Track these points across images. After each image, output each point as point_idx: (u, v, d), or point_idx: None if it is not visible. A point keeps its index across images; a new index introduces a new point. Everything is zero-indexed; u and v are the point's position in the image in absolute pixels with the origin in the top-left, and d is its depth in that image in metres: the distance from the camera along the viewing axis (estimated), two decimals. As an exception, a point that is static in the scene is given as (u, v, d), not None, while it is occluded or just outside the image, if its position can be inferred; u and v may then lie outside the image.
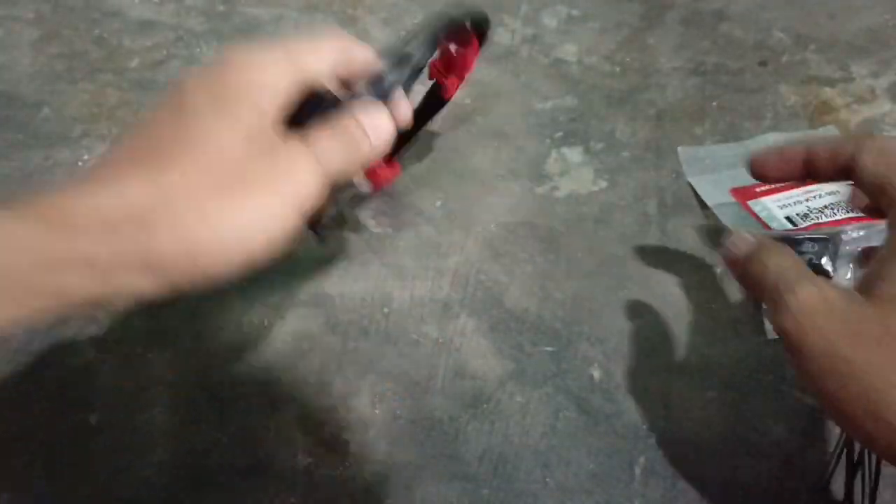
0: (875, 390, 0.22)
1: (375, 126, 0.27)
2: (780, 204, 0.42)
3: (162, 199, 0.23)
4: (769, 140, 0.48)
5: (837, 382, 0.23)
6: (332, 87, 0.28)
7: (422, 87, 0.38)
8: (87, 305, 0.22)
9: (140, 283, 0.23)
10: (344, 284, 0.42)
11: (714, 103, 0.51)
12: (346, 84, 0.28)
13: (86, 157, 0.49)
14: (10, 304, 0.21)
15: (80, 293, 0.22)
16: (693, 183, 0.46)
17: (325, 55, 0.28)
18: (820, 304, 0.25)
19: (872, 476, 0.34)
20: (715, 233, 0.43)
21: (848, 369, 0.23)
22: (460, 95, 0.53)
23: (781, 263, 0.27)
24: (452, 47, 0.37)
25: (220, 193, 0.23)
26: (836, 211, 0.41)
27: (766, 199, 0.43)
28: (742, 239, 0.29)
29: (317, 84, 0.27)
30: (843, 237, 0.39)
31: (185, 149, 0.24)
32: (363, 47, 0.29)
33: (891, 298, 0.24)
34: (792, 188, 0.43)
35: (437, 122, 0.42)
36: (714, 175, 0.46)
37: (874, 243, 0.39)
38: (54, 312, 0.22)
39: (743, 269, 0.28)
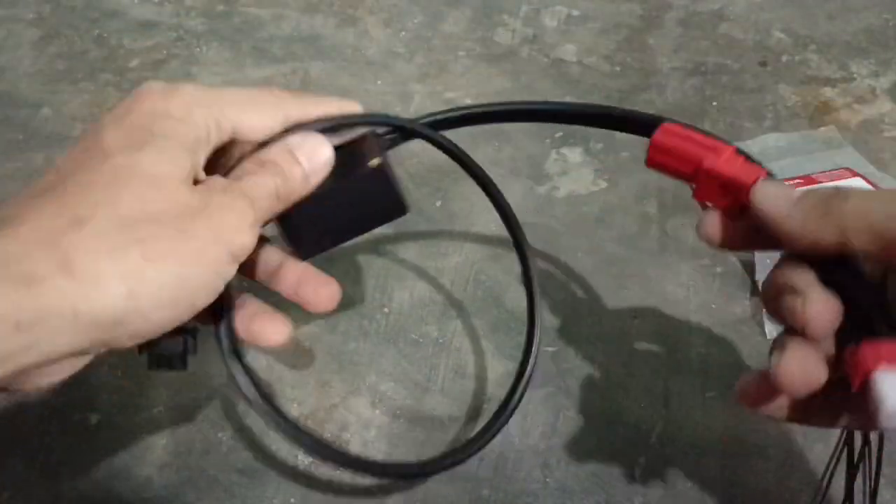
0: None
1: (309, 151, 0.25)
2: (780, 204, 0.42)
3: (87, 248, 0.20)
4: (769, 141, 0.48)
5: None
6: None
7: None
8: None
9: (61, 342, 0.20)
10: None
11: (714, 103, 0.51)
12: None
13: (86, 157, 0.49)
14: None
15: None
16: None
17: (263, 114, 0.25)
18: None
19: (872, 476, 0.34)
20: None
21: None
22: (460, 94, 0.53)
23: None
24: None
25: (143, 248, 0.20)
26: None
27: (766, 199, 0.43)
28: (786, 186, 0.23)
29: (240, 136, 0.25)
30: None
31: (110, 193, 0.21)
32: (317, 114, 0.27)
33: None
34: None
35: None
36: (714, 175, 0.46)
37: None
38: None
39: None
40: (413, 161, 0.48)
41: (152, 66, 0.55)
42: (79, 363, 0.21)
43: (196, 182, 0.23)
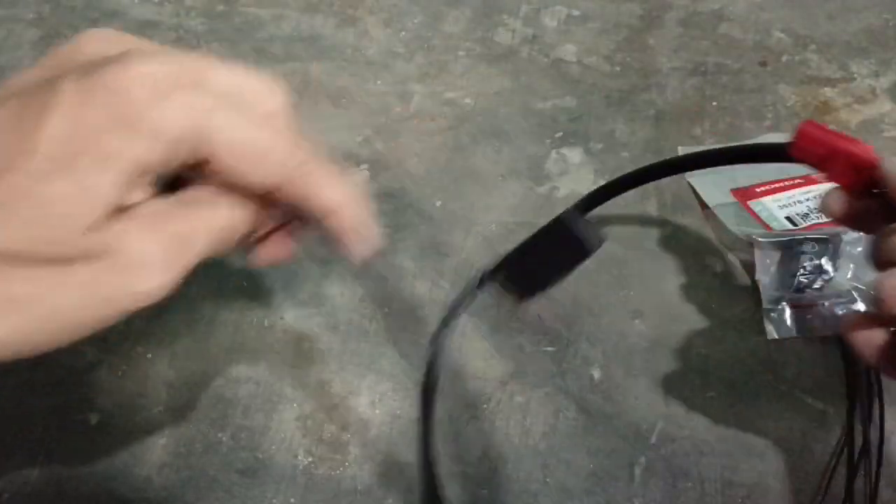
0: None
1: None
2: (781, 204, 0.42)
3: None
4: (770, 141, 0.48)
5: None
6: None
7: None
8: None
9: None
10: (344, 284, 0.42)
11: (714, 103, 0.51)
12: None
13: (86, 157, 0.49)
14: None
15: None
16: (693, 183, 0.46)
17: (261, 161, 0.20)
18: None
19: (872, 476, 0.34)
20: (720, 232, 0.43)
21: None
22: (460, 95, 0.53)
23: None
24: None
25: (53, 267, 0.18)
26: (836, 211, 0.41)
27: (766, 199, 0.43)
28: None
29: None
30: (844, 237, 0.39)
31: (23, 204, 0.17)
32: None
33: None
34: (793, 188, 0.43)
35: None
36: (714, 175, 0.46)
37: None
38: None
39: None
40: (413, 161, 0.48)
41: (152, 66, 0.55)
42: None
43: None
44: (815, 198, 0.42)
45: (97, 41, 0.20)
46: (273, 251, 0.23)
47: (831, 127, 0.28)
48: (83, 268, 0.18)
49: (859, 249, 0.39)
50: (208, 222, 0.20)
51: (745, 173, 0.46)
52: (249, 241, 0.23)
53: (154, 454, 0.36)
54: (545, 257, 0.33)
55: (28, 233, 0.17)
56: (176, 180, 0.21)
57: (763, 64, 0.54)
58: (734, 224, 0.42)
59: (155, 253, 0.19)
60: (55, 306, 0.18)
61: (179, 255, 0.19)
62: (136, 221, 0.19)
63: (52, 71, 0.19)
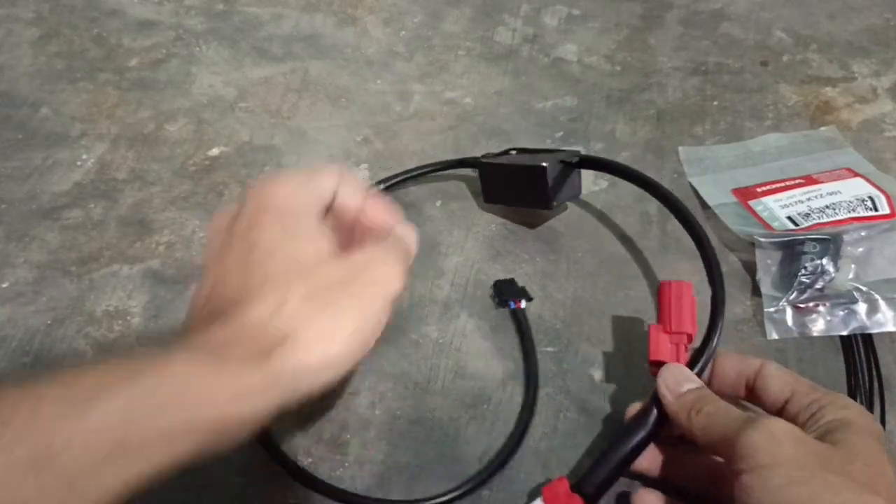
0: None
1: (411, 237, 0.32)
2: (782, 203, 0.42)
3: (293, 321, 0.25)
4: (770, 140, 0.48)
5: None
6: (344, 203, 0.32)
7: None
8: (242, 426, 0.24)
9: (290, 391, 0.25)
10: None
11: (714, 103, 0.51)
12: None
13: (84, 156, 0.49)
14: (194, 444, 0.23)
15: (246, 418, 0.24)
16: (694, 183, 0.46)
17: (332, 180, 0.31)
18: (793, 431, 0.26)
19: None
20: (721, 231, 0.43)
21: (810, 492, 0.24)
22: (460, 94, 0.53)
23: (731, 409, 0.29)
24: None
25: (329, 311, 0.26)
26: (837, 210, 0.41)
27: (767, 199, 0.43)
28: (680, 377, 0.31)
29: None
30: (845, 237, 0.39)
31: (291, 275, 0.26)
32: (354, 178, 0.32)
33: (847, 446, 0.26)
34: (794, 188, 0.43)
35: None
36: (715, 175, 0.46)
37: (876, 243, 0.39)
38: (213, 442, 0.23)
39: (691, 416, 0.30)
40: (413, 160, 0.48)
41: (151, 65, 0.55)
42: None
43: (346, 255, 0.29)
44: (816, 197, 0.42)
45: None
46: None
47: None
48: (352, 287, 0.28)
49: (861, 250, 0.39)
50: (399, 247, 0.31)
51: (746, 173, 0.46)
52: None
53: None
54: (515, 185, 0.40)
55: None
56: None
57: (764, 63, 0.53)
58: (735, 224, 0.42)
59: (395, 263, 0.29)
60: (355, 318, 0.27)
61: (403, 265, 0.30)
62: (362, 255, 0.29)
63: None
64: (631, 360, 0.38)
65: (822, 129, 0.49)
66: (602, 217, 0.45)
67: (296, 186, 0.29)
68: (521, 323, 0.39)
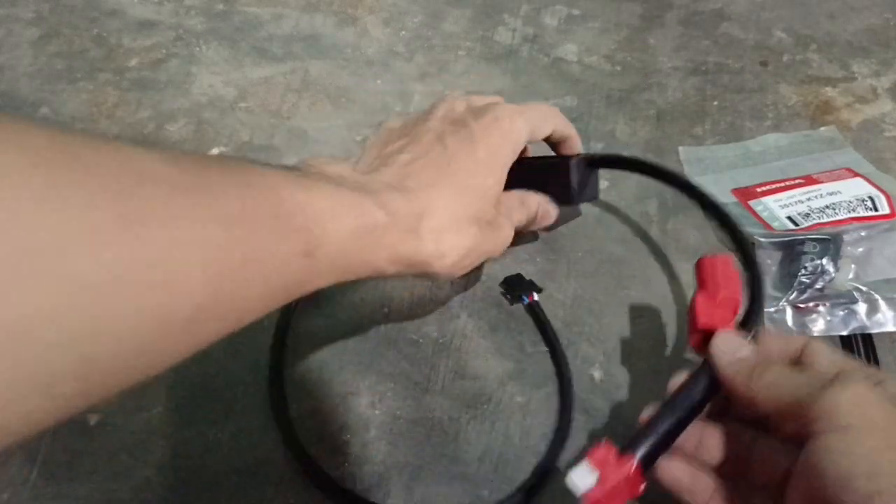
0: None
1: (545, 206, 0.38)
2: (782, 203, 0.42)
3: (435, 202, 0.31)
4: (770, 141, 0.48)
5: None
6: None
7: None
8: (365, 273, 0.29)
9: (406, 242, 0.29)
10: (344, 284, 0.42)
11: (714, 103, 0.51)
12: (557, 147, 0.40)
13: (85, 156, 0.49)
14: (335, 270, 0.27)
15: (371, 257, 0.28)
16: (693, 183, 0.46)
17: (548, 126, 0.37)
18: (882, 393, 0.25)
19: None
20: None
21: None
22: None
23: (800, 373, 0.28)
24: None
25: (469, 222, 0.32)
26: (837, 210, 0.41)
27: (767, 199, 0.43)
28: (736, 343, 0.30)
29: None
30: (845, 237, 0.39)
31: (467, 188, 0.32)
32: (566, 123, 0.39)
33: None
34: (794, 188, 0.43)
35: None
36: (715, 175, 0.46)
37: (876, 243, 0.39)
38: (349, 278, 0.28)
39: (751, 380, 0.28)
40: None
41: (151, 65, 0.55)
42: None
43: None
44: (816, 197, 0.42)
45: (459, 101, 0.36)
46: None
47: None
48: (491, 230, 0.34)
49: (861, 250, 0.39)
50: (519, 216, 0.37)
51: (746, 173, 0.46)
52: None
53: (154, 454, 0.36)
54: (537, 178, 0.39)
55: (479, 205, 0.33)
56: None
57: (764, 63, 0.53)
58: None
59: (508, 227, 0.35)
60: (483, 250, 0.33)
61: (511, 229, 0.36)
62: (500, 212, 0.35)
63: (440, 119, 0.35)
64: (631, 360, 0.38)
65: (822, 129, 0.49)
66: (602, 217, 0.45)
67: (522, 127, 0.35)
68: (538, 316, 0.39)
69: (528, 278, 0.41)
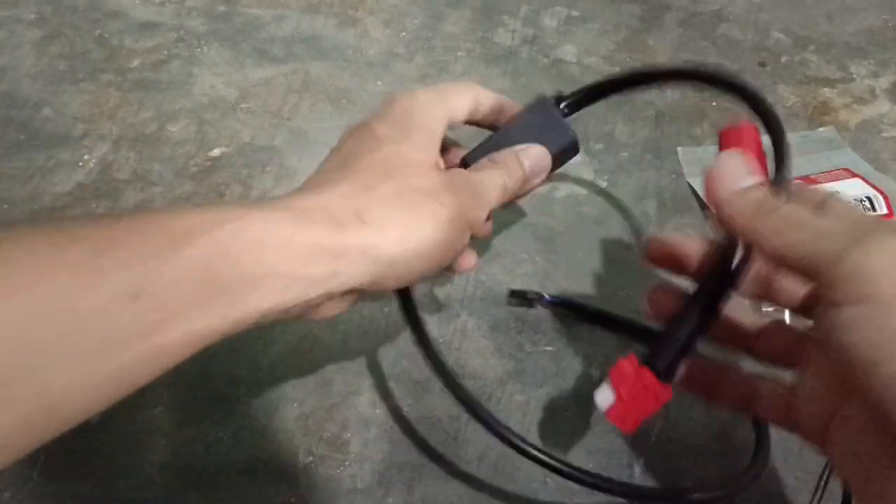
0: None
1: (533, 158, 0.32)
2: (780, 204, 0.43)
3: (374, 206, 0.26)
4: (769, 141, 0.48)
5: None
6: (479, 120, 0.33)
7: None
8: (317, 295, 0.25)
9: (359, 270, 0.25)
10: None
11: (713, 104, 0.51)
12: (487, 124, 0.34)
13: (87, 157, 0.49)
14: (273, 294, 0.23)
15: (317, 278, 0.24)
16: (693, 183, 0.46)
17: (464, 99, 0.32)
18: None
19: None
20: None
21: None
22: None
23: (823, 218, 0.22)
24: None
25: (412, 210, 0.27)
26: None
27: (765, 200, 0.43)
28: (741, 169, 0.25)
29: (457, 122, 0.32)
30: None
31: (387, 171, 0.28)
32: (490, 93, 0.33)
33: None
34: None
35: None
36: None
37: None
38: (297, 301, 0.24)
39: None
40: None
41: (153, 66, 0.55)
42: (346, 304, 0.27)
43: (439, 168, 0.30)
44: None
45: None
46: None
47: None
48: (442, 199, 0.28)
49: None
50: (495, 179, 0.31)
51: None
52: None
53: (154, 454, 0.36)
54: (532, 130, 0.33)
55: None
56: None
57: (762, 64, 0.54)
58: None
59: (479, 193, 0.30)
60: (436, 224, 0.27)
61: (485, 198, 0.30)
62: (457, 176, 0.30)
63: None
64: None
65: (821, 129, 0.49)
66: (602, 217, 0.45)
67: (428, 102, 0.31)
68: (572, 302, 0.40)
69: (522, 288, 0.41)
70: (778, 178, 0.26)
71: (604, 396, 0.27)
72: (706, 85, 0.32)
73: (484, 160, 0.32)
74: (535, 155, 0.32)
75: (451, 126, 0.32)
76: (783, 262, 0.22)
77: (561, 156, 0.33)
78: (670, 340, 0.27)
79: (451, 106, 0.31)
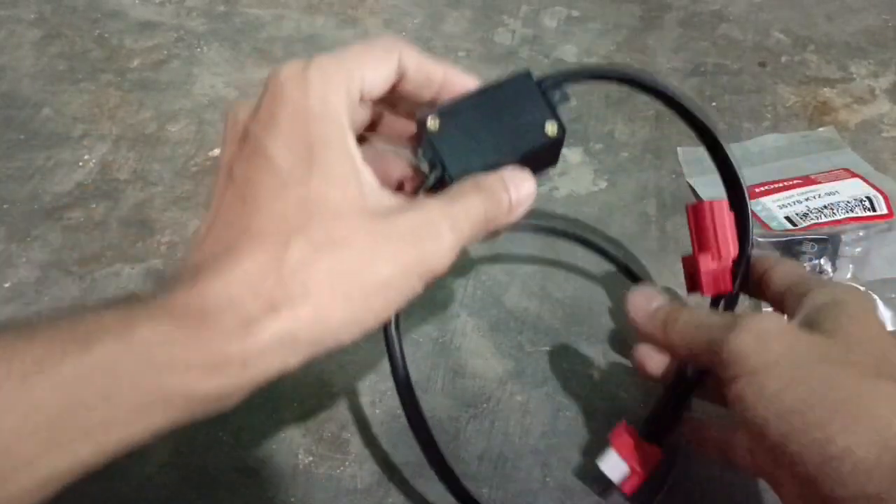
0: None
1: (518, 182, 0.25)
2: (780, 203, 0.43)
3: (289, 283, 0.21)
4: (768, 141, 0.48)
5: (806, 400, 0.22)
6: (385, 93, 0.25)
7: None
8: (218, 400, 0.21)
9: (277, 365, 0.21)
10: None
11: (713, 104, 0.51)
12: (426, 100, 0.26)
13: (87, 156, 0.49)
14: (145, 417, 0.20)
15: (212, 391, 0.21)
16: (692, 183, 0.46)
17: (380, 65, 0.24)
18: (781, 326, 0.25)
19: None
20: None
21: (821, 387, 0.22)
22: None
23: (710, 315, 0.28)
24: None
25: (339, 278, 0.21)
26: (835, 211, 0.41)
27: (765, 199, 0.43)
28: (648, 296, 0.30)
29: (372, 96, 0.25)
30: (843, 237, 0.39)
31: (299, 226, 0.21)
32: (423, 56, 0.25)
33: (842, 332, 0.24)
34: (792, 188, 0.44)
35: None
36: (714, 176, 0.46)
37: (874, 243, 0.40)
38: (182, 417, 0.20)
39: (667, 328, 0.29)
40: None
41: (153, 66, 0.55)
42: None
43: (393, 196, 0.24)
44: (814, 198, 0.42)
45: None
46: None
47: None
48: (378, 255, 0.22)
49: (858, 249, 0.39)
50: (474, 209, 0.25)
51: (745, 173, 0.46)
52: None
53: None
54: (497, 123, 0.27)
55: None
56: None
57: (762, 64, 0.54)
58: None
59: (443, 235, 0.24)
60: (366, 293, 0.22)
61: (456, 238, 0.24)
62: (410, 215, 0.23)
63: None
64: (631, 359, 0.38)
65: (821, 129, 0.49)
66: (602, 217, 0.45)
67: (325, 87, 0.23)
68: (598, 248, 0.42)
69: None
70: (728, 189, 0.32)
71: (614, 470, 0.31)
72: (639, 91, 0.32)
73: (465, 185, 0.25)
74: (520, 179, 0.26)
75: (365, 103, 0.25)
76: (693, 359, 0.27)
77: (547, 151, 0.28)
78: (668, 418, 0.31)
79: (357, 77, 0.24)
